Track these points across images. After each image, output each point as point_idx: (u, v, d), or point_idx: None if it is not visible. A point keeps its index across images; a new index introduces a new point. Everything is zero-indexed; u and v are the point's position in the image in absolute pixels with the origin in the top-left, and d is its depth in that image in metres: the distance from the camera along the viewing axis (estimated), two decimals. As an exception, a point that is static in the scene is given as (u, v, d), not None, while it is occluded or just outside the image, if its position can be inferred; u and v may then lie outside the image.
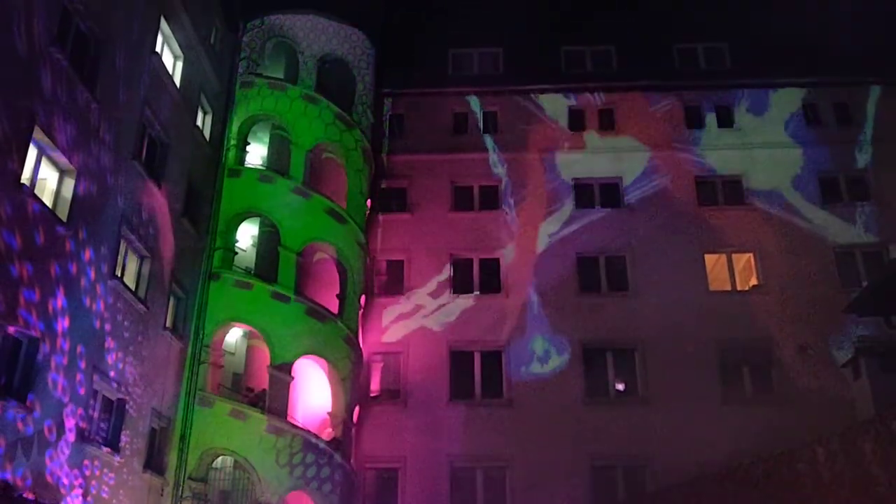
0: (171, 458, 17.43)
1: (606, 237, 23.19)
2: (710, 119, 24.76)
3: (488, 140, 24.83)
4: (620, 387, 21.87)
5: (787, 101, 24.74)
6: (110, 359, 14.91)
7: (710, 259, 23.07)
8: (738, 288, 22.78)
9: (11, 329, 11.83)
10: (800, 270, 22.34)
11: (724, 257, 23.21)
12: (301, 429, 18.58)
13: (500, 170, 24.38)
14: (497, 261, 23.24)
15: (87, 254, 14.03)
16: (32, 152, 12.72)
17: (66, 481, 13.08)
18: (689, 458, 18.61)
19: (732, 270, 23.06)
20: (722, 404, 20.69)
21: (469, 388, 21.75)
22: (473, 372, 21.90)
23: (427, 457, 20.56)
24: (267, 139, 22.37)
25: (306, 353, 19.41)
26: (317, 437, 18.68)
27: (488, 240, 23.42)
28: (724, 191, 23.91)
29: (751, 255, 23.05)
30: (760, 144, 24.16)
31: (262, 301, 19.27)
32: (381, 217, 23.87)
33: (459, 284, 23.01)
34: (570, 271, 22.85)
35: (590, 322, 22.11)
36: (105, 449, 14.52)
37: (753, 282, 22.88)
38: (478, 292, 22.92)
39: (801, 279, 22.20)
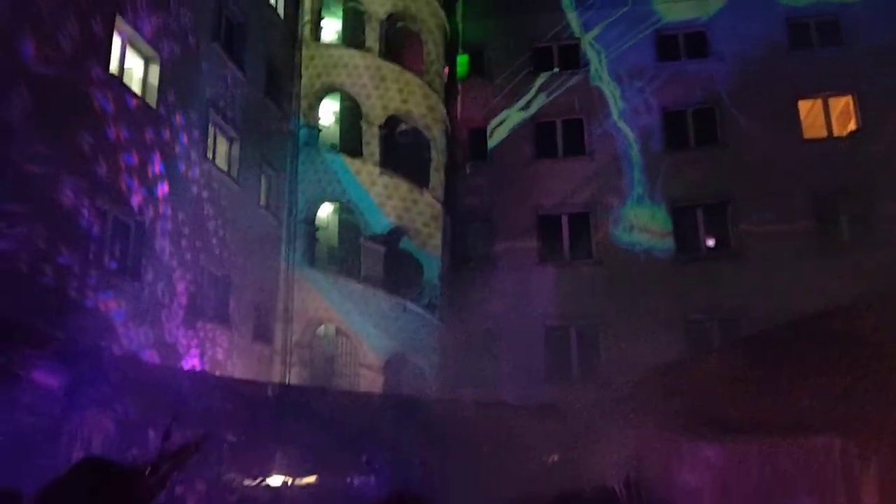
0: (277, 328, 18.39)
1: (693, 89, 22.37)
2: (804, -47, 23.09)
3: (566, -5, 23.87)
4: (711, 243, 21.62)
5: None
6: (213, 238, 15.61)
7: (804, 105, 22.05)
8: (835, 134, 21.83)
9: (120, 213, 12.54)
10: (903, 111, 21.15)
11: (819, 102, 22.14)
12: (397, 295, 19.19)
13: (579, 27, 23.54)
14: (580, 121, 22.82)
15: (180, 139, 14.49)
16: (117, 42, 13.00)
17: (183, 342, 14.09)
18: (785, 308, 18.38)
19: (829, 116, 22.03)
20: (818, 253, 20.23)
21: (558, 250, 21.92)
22: (562, 234, 22.00)
23: (519, 317, 20.96)
24: (340, 13, 22.11)
25: (396, 223, 19.82)
26: (412, 301, 19.31)
27: (570, 100, 22.93)
28: (818, 31, 22.52)
29: (849, 98, 21.90)
30: (859, -23, 22.49)
31: (349, 175, 19.61)
32: (459, 84, 23.60)
33: (543, 148, 22.79)
34: (657, 127, 22.29)
35: (678, 179, 21.68)
36: (215, 320, 15.46)
37: (852, 127, 21.84)
38: (562, 155, 22.70)
39: (905, 120, 21.05)
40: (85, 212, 11.52)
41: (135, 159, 12.91)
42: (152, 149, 13.53)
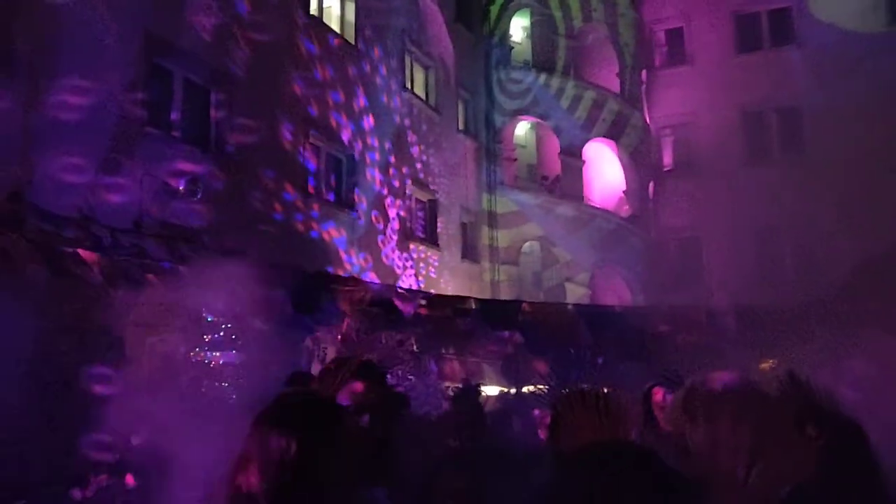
0: (483, 246, 19.14)
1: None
2: None
3: None
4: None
5: None
6: (417, 164, 16.48)
7: None
8: None
9: (332, 148, 13.61)
10: None
11: None
12: (598, 209, 19.29)
13: None
14: (787, 9, 21.19)
15: (381, 71, 15.29)
16: (313, -15, 13.81)
17: (399, 263, 15.20)
18: None
19: None
20: None
21: (766, 149, 20.83)
22: (770, 133, 20.86)
23: (727, 221, 20.13)
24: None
25: (594, 135, 19.76)
26: (614, 214, 19.33)
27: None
28: None
29: None
30: None
31: (542, 90, 19.71)
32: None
33: (745, 41, 21.48)
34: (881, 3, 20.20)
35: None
36: (425, 242, 16.47)
37: None
38: (768, 47, 21.30)
39: None
40: (301, 149, 12.62)
41: (340, 96, 13.84)
42: (355, 84, 14.40)
